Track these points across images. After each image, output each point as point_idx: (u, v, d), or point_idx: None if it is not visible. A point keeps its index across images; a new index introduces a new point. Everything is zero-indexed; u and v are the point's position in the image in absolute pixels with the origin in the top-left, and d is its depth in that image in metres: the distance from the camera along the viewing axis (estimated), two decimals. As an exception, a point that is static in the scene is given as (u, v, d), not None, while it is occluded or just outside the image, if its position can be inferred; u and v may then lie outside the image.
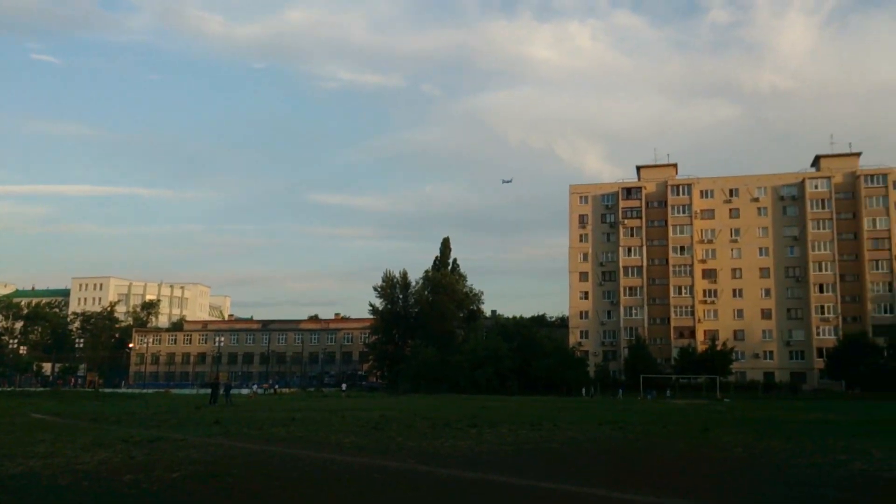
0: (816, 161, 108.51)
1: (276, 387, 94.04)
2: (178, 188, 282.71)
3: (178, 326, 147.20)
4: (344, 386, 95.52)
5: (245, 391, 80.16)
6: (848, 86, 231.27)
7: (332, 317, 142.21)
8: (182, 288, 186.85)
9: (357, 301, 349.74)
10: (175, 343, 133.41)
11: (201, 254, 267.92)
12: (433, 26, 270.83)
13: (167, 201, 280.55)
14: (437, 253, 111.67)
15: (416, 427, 26.94)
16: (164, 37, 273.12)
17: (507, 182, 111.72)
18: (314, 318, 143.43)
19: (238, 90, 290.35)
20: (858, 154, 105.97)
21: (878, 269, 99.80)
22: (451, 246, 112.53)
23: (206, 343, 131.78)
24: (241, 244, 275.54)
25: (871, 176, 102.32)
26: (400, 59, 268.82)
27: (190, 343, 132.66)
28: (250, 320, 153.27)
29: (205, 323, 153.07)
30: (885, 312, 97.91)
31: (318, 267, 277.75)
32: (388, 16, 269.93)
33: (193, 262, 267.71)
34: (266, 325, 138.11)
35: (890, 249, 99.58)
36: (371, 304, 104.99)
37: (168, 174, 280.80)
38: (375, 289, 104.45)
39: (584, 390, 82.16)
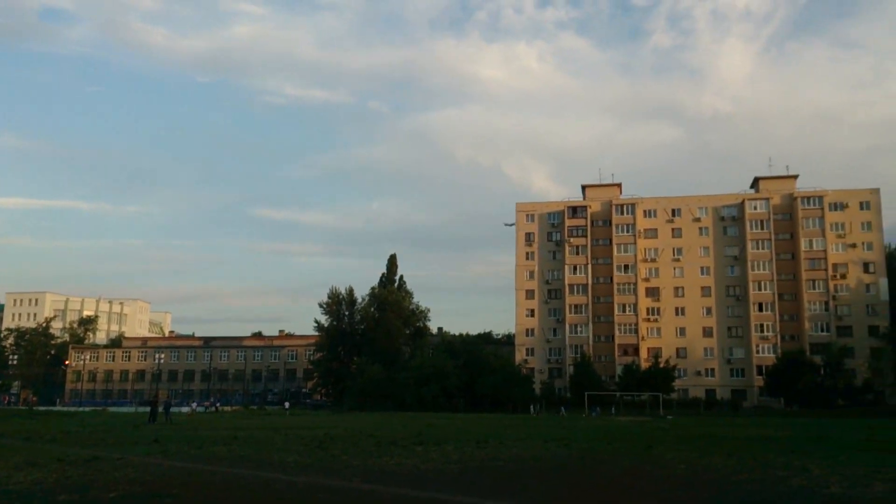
0: (755, 183, 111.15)
1: (218, 405, 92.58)
2: (119, 202, 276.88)
3: (116, 343, 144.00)
4: (287, 404, 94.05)
5: (185, 409, 78.66)
6: (785, 110, 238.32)
7: (277, 333, 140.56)
8: (121, 304, 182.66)
9: (302, 318, 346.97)
10: (113, 360, 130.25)
11: (142, 269, 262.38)
12: (381, 43, 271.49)
13: (107, 215, 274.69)
14: (384, 269, 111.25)
15: (362, 445, 26.74)
16: (106, 49, 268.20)
17: (510, 225, 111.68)
18: (258, 335, 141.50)
19: (182, 104, 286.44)
20: (795, 176, 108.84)
21: (814, 288, 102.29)
22: (398, 263, 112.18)
23: (145, 360, 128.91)
24: (184, 259, 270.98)
25: (808, 198, 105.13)
26: (347, 76, 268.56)
27: (129, 360, 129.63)
28: (192, 337, 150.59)
29: (144, 339, 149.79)
30: (822, 331, 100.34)
31: (263, 283, 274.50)
32: (335, 32, 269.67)
33: (133, 278, 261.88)
34: (208, 341, 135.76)
35: (826, 270, 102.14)
36: (316, 321, 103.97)
37: (108, 188, 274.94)
38: (321, 305, 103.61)
39: (532, 407, 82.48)
